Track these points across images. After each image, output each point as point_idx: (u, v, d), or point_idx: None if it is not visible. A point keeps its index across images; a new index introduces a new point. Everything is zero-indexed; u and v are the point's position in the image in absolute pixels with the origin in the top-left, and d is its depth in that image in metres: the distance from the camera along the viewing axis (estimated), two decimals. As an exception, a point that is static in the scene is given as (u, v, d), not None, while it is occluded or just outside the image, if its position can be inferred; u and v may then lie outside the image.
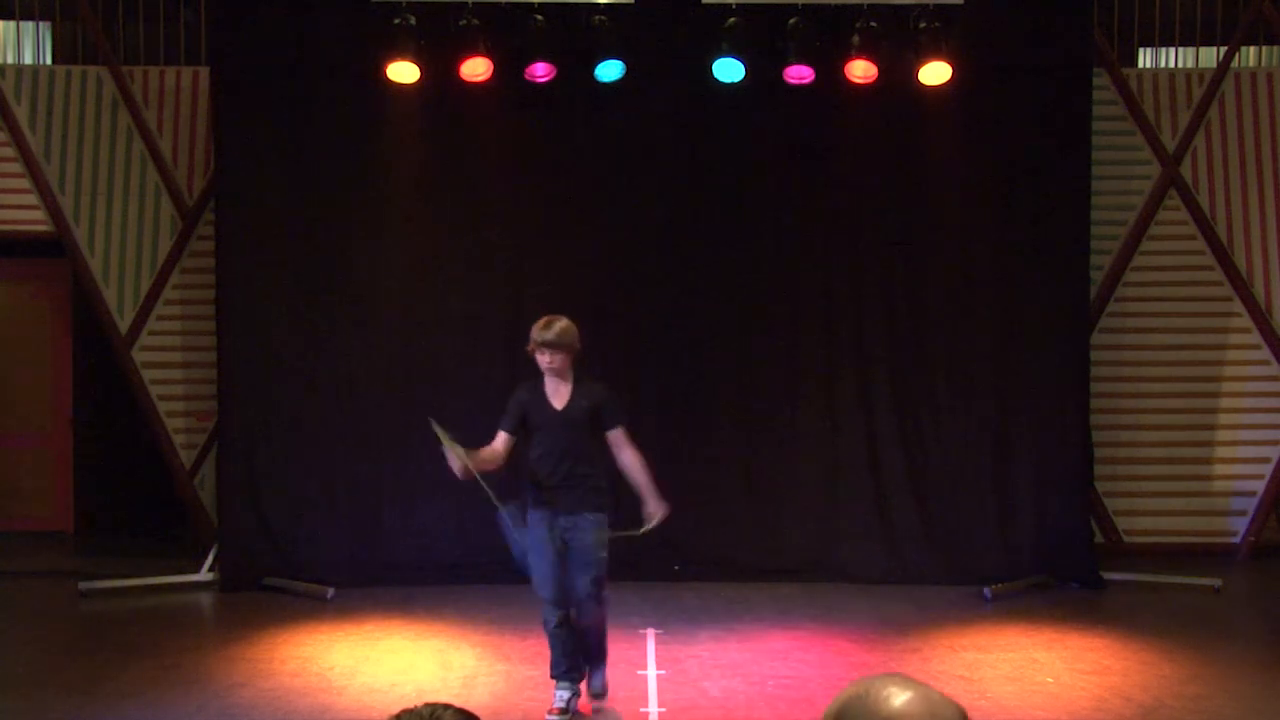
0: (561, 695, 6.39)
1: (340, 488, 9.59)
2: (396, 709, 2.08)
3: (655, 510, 6.30)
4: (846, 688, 2.01)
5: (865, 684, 1.99)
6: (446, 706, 2.10)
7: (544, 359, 6.25)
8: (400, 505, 9.50)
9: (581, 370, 6.41)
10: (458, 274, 9.76)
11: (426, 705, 2.11)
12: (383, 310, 9.72)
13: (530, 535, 6.24)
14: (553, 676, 6.43)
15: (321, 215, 9.63)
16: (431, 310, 9.73)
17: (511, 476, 6.62)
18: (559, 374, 6.29)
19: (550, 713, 6.37)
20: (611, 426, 6.34)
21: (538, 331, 6.27)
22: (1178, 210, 10.71)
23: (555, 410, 6.28)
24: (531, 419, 6.32)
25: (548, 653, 6.47)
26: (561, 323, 6.28)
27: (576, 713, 6.44)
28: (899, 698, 1.94)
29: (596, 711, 6.53)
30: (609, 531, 6.31)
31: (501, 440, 6.32)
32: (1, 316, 11.65)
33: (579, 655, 6.40)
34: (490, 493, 6.15)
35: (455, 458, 6.06)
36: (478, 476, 6.08)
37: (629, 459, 6.35)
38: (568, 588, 6.25)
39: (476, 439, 6.31)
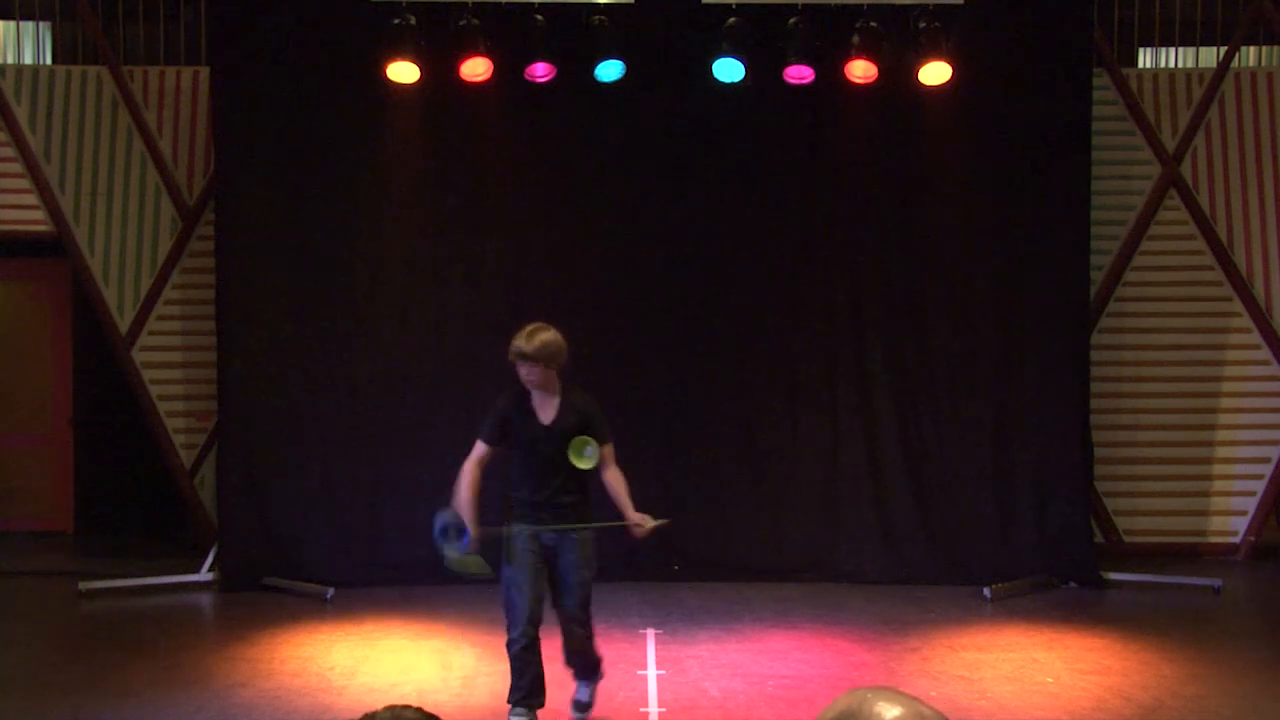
0: None
1: (340, 488, 9.59)
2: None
3: (637, 519, 5.92)
4: (837, 700, 2.01)
5: (858, 696, 1.99)
6: (407, 707, 2.09)
7: (522, 371, 5.85)
8: (400, 505, 9.48)
9: (568, 380, 6.00)
10: (457, 274, 9.77)
11: (388, 708, 2.10)
12: (382, 310, 9.73)
13: (514, 549, 5.91)
14: (510, 701, 5.96)
15: (321, 215, 9.63)
16: (431, 310, 9.74)
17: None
18: (543, 387, 5.89)
19: None
20: (601, 444, 5.92)
21: (517, 341, 5.84)
22: (1178, 210, 10.70)
23: (542, 426, 5.88)
24: (515, 433, 5.93)
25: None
26: (544, 334, 5.85)
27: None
28: (891, 712, 1.94)
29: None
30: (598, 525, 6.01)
31: (481, 454, 5.96)
32: (1, 316, 11.64)
33: (540, 682, 5.95)
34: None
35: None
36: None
37: (613, 476, 5.99)
38: (554, 607, 5.95)
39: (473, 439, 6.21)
